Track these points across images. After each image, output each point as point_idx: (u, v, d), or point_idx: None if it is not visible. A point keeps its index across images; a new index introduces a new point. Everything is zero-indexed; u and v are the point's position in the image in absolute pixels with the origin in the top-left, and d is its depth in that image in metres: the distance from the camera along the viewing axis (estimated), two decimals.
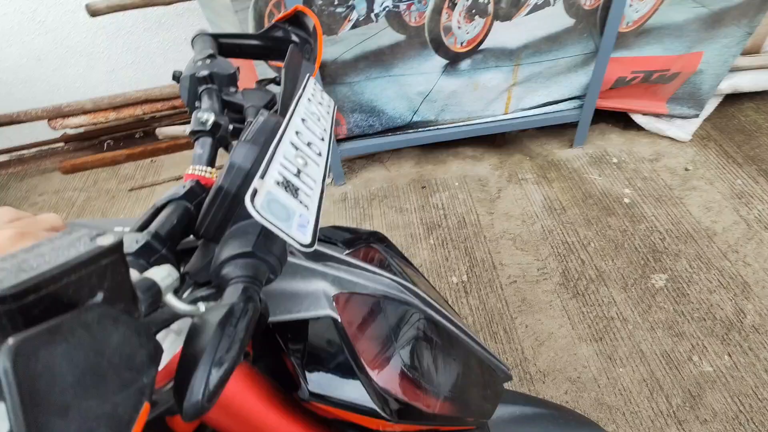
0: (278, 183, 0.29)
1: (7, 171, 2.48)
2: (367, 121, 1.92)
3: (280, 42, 0.62)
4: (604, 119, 2.15)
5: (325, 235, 0.54)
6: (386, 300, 0.45)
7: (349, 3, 1.53)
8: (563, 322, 1.47)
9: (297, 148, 0.35)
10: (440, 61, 1.72)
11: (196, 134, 0.47)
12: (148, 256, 0.33)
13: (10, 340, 0.16)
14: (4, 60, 2.13)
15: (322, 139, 0.41)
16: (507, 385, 1.07)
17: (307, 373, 0.38)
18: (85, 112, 2.21)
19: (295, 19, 0.65)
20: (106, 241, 0.22)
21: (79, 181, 2.39)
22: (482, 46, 1.69)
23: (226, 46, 0.60)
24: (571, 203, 1.84)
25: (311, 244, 0.29)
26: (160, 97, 2.17)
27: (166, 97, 2.19)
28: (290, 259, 0.43)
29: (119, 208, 2.20)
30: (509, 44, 1.69)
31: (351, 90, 1.79)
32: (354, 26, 1.59)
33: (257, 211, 0.26)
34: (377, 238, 0.59)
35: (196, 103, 0.52)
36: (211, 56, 0.54)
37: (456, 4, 1.56)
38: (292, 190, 0.30)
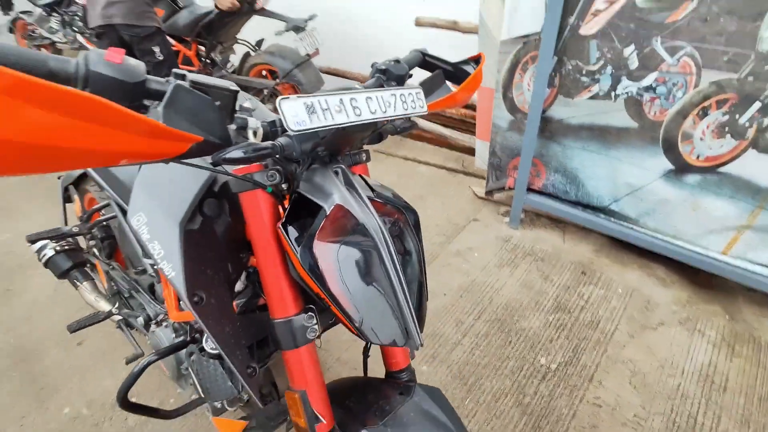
0: (305, 104, 0.59)
1: None
2: (564, 186, 1.96)
3: (458, 69, 0.90)
4: None
5: (371, 184, 0.79)
6: (363, 227, 0.69)
7: (596, 76, 1.62)
8: None
9: (342, 103, 0.63)
10: (665, 164, 1.61)
11: None
12: (273, 125, 0.67)
13: (177, 80, 0.52)
14: (357, 29, 3.09)
15: (373, 112, 0.68)
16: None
17: (290, 218, 0.68)
18: None
19: (478, 60, 0.92)
20: (233, 87, 0.58)
21: None
22: (723, 169, 1.49)
23: (427, 62, 0.92)
24: (740, 391, 1.45)
25: (295, 131, 0.57)
26: None
27: None
28: (335, 178, 0.72)
29: None
30: (760, 180, 1.43)
31: (563, 151, 1.87)
32: (592, 98, 1.67)
33: (279, 105, 0.56)
34: (408, 209, 0.79)
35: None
36: (396, 60, 0.87)
37: (707, 115, 1.44)
38: (311, 110, 0.59)
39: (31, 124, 0.35)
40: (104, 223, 1.40)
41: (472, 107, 2.67)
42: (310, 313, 0.73)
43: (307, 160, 0.71)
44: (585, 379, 1.53)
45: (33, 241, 1.30)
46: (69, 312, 1.92)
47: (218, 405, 1.00)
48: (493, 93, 1.95)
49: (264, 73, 3.09)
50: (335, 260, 0.67)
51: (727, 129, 1.42)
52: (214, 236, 0.78)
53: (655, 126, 1.57)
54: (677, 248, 1.73)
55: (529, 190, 2.09)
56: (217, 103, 0.56)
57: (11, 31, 5.29)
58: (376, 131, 0.79)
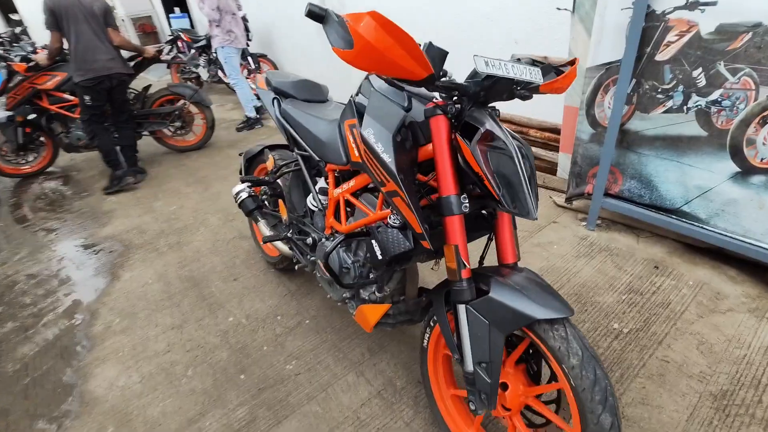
0: (485, 63, 1.05)
1: None
2: (639, 191, 2.25)
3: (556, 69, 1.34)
4: None
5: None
6: (503, 143, 1.12)
7: (670, 93, 1.97)
8: (682, 410, 1.48)
9: (507, 70, 1.09)
10: (732, 167, 1.88)
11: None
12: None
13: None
14: None
15: (513, 74, 1.12)
16: None
17: (462, 133, 1.12)
18: (510, 122, 3.50)
19: (573, 62, 1.36)
20: (445, 69, 1.07)
21: None
22: None
23: (534, 62, 1.38)
24: None
25: (480, 71, 1.03)
26: (539, 127, 3.19)
27: (538, 127, 3.20)
28: (486, 114, 1.16)
29: None
30: None
31: (638, 159, 2.19)
32: (666, 111, 2.02)
33: (475, 57, 1.03)
34: (526, 144, 1.21)
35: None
36: (519, 58, 1.33)
37: (767, 123, 1.73)
38: (491, 64, 1.05)
39: (384, 38, 0.85)
40: (281, 177, 1.95)
41: (552, 130, 3.07)
42: (464, 195, 1.16)
43: (471, 102, 1.16)
44: (655, 342, 1.76)
45: (242, 181, 1.89)
46: (224, 258, 2.50)
47: (366, 296, 1.44)
48: (577, 111, 2.35)
49: None
50: (486, 156, 1.10)
51: None
52: (405, 147, 1.24)
53: (722, 134, 1.87)
54: (747, 245, 1.94)
55: (607, 195, 2.40)
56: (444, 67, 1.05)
57: (168, 67, 6.63)
58: (510, 93, 1.23)
